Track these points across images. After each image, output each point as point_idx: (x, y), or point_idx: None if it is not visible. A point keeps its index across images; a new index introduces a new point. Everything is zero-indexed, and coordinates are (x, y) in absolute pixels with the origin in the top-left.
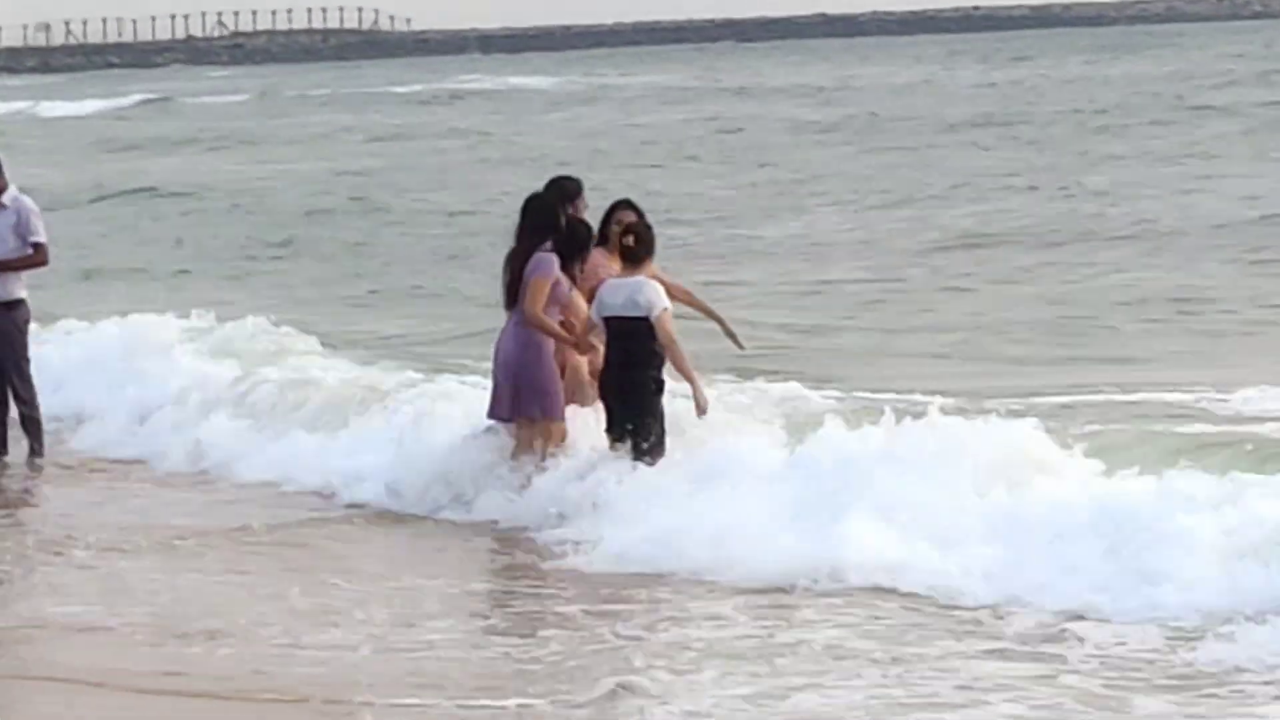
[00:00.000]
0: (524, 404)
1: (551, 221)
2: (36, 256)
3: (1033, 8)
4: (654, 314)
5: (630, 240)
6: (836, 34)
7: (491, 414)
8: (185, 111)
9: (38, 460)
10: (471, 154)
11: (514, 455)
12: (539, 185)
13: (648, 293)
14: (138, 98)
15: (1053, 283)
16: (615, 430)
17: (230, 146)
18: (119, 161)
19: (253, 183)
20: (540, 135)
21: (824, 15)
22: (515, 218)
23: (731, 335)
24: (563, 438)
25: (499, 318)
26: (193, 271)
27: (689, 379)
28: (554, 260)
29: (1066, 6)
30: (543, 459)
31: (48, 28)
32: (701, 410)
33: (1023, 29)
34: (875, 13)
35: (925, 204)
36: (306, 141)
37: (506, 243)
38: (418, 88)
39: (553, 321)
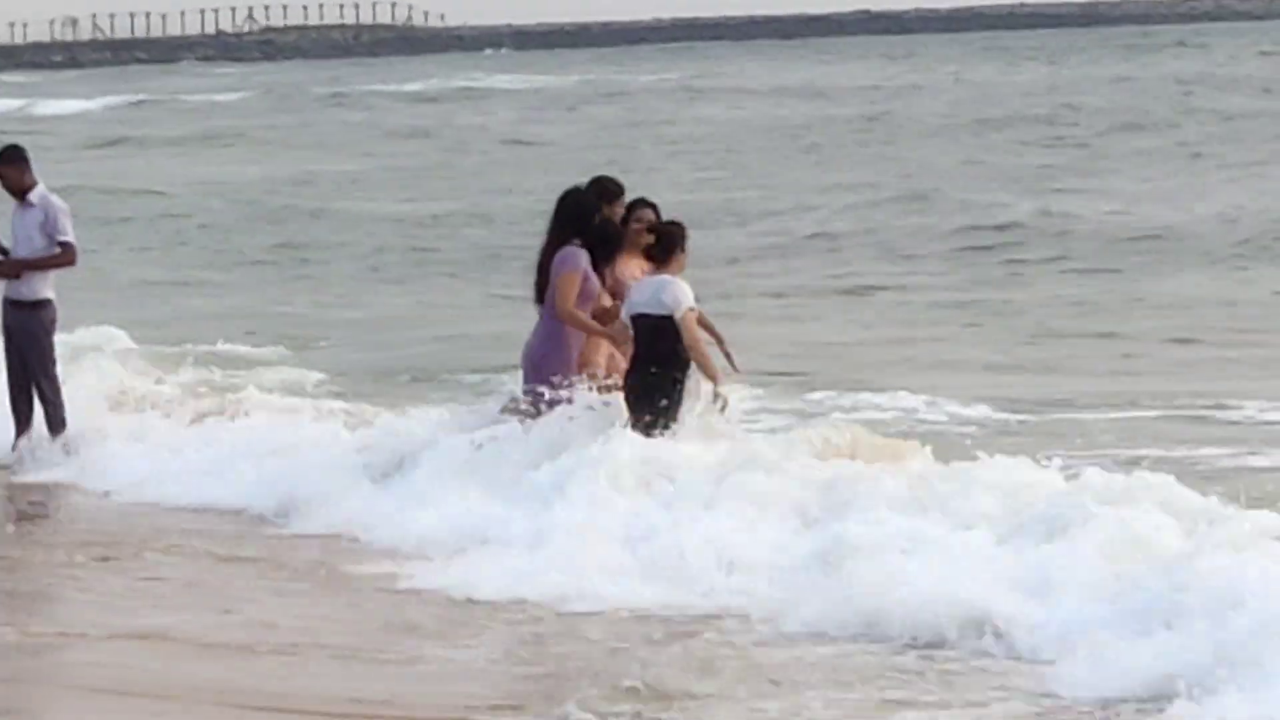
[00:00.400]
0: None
1: (585, 218)
2: (64, 256)
3: (1081, 5)
4: (678, 313)
5: (650, 239)
6: (880, 31)
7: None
8: (185, 110)
9: (59, 438)
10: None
11: None
12: (527, 186)
13: (673, 291)
14: (140, 96)
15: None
16: (634, 430)
17: (210, 147)
18: (89, 162)
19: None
20: (551, 134)
21: (867, 12)
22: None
23: (728, 355)
24: None
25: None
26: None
27: (713, 379)
28: (582, 255)
29: (1114, 4)
30: None
31: (74, 23)
32: (722, 406)
33: (1070, 26)
34: (919, 9)
35: (960, 203)
36: (290, 142)
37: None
38: (418, 85)
39: (586, 316)
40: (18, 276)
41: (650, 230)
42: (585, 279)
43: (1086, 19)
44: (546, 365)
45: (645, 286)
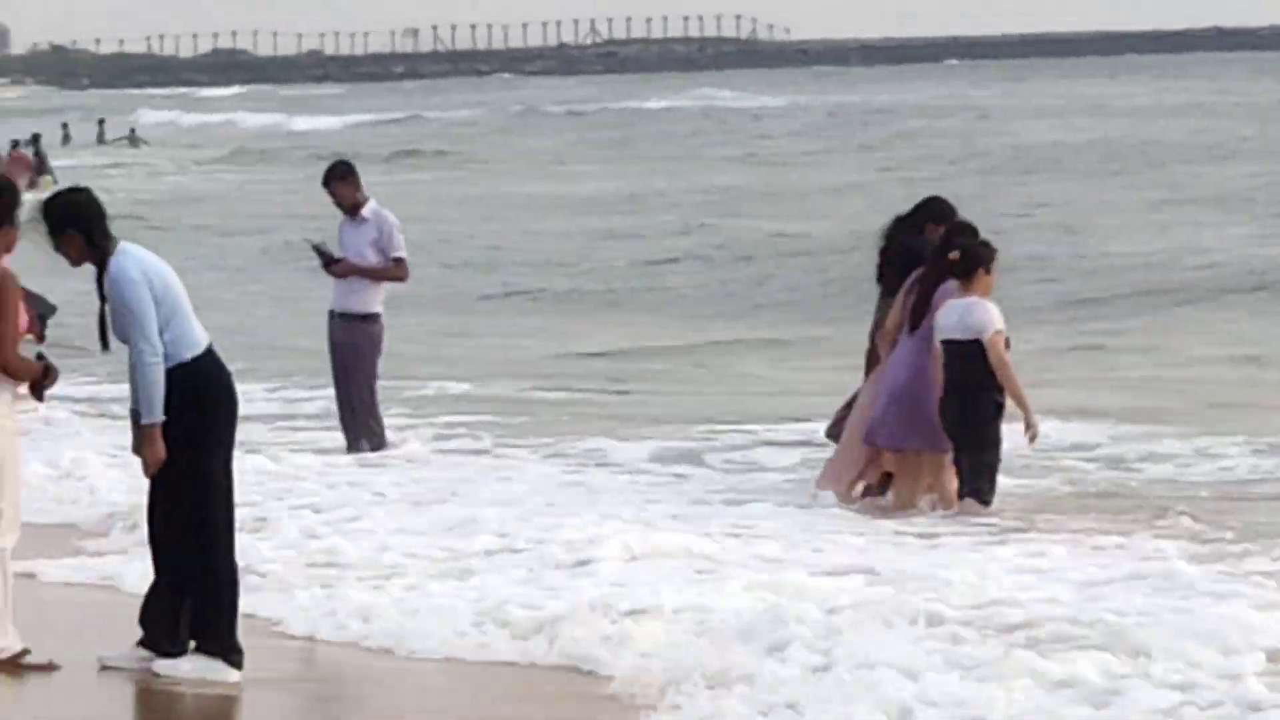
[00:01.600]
0: (905, 433)
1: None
2: (398, 270)
3: None
4: (985, 335)
5: (955, 255)
6: (1231, 47)
7: (867, 439)
8: (409, 129)
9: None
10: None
11: (897, 492)
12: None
13: (978, 313)
14: (400, 113)
15: None
16: (958, 465)
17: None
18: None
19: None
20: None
21: (1218, 29)
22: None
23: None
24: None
25: None
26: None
27: (1021, 404)
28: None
29: None
30: (934, 507)
31: (415, 34)
32: (1033, 436)
33: None
34: (1274, 26)
35: None
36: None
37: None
38: (701, 102)
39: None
40: (344, 276)
41: (957, 249)
42: None
43: None
44: (919, 400)
45: (952, 310)
